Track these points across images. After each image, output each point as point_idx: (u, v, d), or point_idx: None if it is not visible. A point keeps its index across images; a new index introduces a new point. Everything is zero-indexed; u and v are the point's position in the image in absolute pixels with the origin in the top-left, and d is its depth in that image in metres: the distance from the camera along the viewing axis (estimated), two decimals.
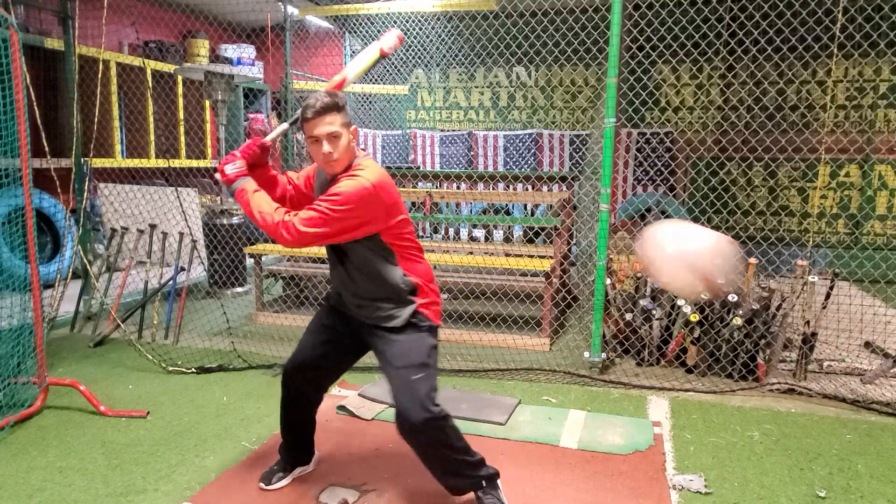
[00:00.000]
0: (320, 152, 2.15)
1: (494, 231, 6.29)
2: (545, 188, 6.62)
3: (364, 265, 2.24)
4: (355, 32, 8.02)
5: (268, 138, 2.33)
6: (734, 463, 2.77)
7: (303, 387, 2.44)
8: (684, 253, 2.00)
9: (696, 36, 4.56)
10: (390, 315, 2.26)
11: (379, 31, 7.47)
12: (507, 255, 5.22)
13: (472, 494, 2.32)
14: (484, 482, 2.28)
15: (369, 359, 2.39)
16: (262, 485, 2.52)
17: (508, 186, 6.83)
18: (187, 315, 4.79)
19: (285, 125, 2.37)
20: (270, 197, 2.27)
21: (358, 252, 2.23)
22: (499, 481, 2.33)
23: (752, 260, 3.96)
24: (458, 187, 7.21)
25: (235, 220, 5.72)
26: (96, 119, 4.79)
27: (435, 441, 2.18)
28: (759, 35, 4.85)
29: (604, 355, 3.86)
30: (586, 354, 3.88)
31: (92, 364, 4.01)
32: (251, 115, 8.58)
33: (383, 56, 2.54)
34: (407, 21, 7.25)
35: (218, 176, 2.26)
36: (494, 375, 3.84)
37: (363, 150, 2.74)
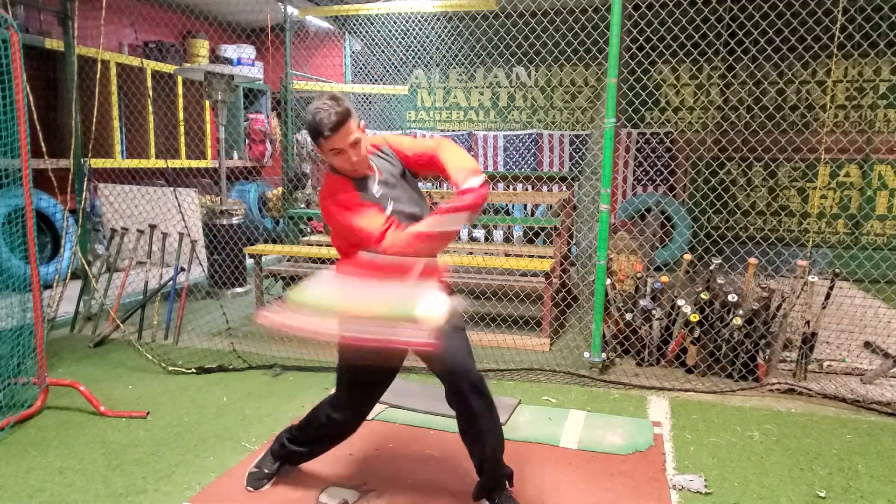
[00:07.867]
0: (348, 161, 2.04)
1: (494, 231, 6.29)
2: (545, 188, 6.62)
3: None
4: (355, 33, 8.02)
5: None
6: (734, 463, 2.77)
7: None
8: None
9: (696, 36, 4.56)
10: None
11: (379, 32, 7.47)
12: (507, 255, 5.22)
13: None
14: (507, 481, 2.33)
15: None
16: (249, 489, 2.48)
17: (508, 186, 6.82)
18: (187, 315, 4.78)
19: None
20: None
21: None
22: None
23: (753, 260, 3.96)
24: None
25: (235, 220, 5.71)
26: (95, 119, 4.79)
27: (491, 402, 2.24)
28: (759, 35, 4.85)
29: (604, 355, 3.86)
30: (586, 354, 3.88)
31: (92, 364, 4.01)
32: (251, 116, 8.58)
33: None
34: (407, 21, 7.25)
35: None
36: (494, 375, 3.84)
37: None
